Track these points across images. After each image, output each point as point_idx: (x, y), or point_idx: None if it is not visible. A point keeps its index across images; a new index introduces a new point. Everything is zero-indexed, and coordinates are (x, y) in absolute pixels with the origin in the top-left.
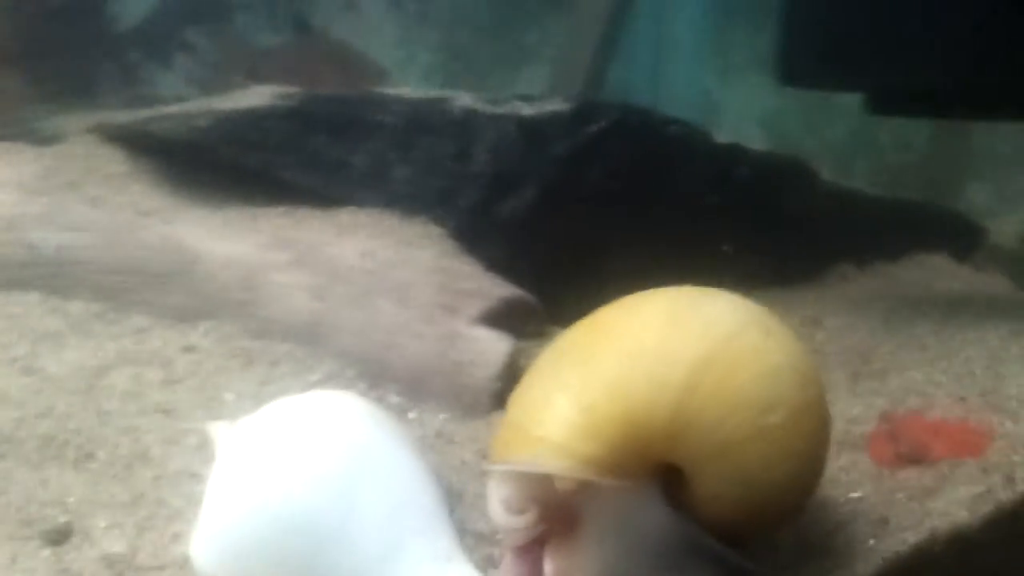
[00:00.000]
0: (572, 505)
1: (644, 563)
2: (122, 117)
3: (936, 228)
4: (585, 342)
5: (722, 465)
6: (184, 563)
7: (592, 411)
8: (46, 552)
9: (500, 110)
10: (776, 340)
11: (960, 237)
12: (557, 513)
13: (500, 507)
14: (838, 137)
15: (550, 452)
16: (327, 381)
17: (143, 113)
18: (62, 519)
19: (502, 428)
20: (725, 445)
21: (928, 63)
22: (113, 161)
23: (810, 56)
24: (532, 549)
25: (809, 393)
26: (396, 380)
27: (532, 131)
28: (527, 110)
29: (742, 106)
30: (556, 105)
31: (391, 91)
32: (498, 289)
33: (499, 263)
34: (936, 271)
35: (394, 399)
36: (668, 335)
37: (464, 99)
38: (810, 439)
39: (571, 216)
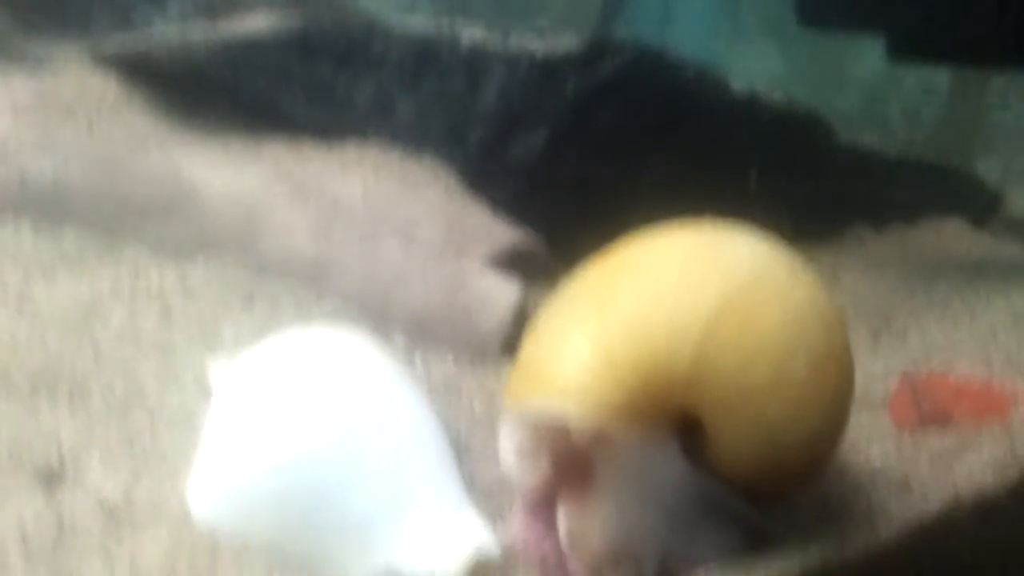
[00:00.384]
0: (587, 455)
1: (660, 519)
2: (116, 43)
3: (953, 192)
4: (603, 280)
5: (743, 415)
6: (181, 507)
7: (610, 354)
8: (38, 493)
9: (511, 46)
10: (801, 283)
11: (976, 202)
12: (571, 463)
13: (513, 456)
14: (848, 106)
15: (566, 397)
16: (329, 321)
17: (137, 40)
18: (55, 460)
19: (515, 369)
20: (746, 393)
21: (951, 6)
22: (108, 88)
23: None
24: (544, 501)
25: (834, 341)
26: (401, 322)
27: (544, 69)
28: (539, 47)
29: (750, 70)
30: (569, 42)
31: (397, 22)
32: (506, 232)
33: (506, 205)
34: (954, 235)
35: (399, 341)
36: (689, 275)
37: (473, 33)
38: (834, 390)
39: (582, 159)
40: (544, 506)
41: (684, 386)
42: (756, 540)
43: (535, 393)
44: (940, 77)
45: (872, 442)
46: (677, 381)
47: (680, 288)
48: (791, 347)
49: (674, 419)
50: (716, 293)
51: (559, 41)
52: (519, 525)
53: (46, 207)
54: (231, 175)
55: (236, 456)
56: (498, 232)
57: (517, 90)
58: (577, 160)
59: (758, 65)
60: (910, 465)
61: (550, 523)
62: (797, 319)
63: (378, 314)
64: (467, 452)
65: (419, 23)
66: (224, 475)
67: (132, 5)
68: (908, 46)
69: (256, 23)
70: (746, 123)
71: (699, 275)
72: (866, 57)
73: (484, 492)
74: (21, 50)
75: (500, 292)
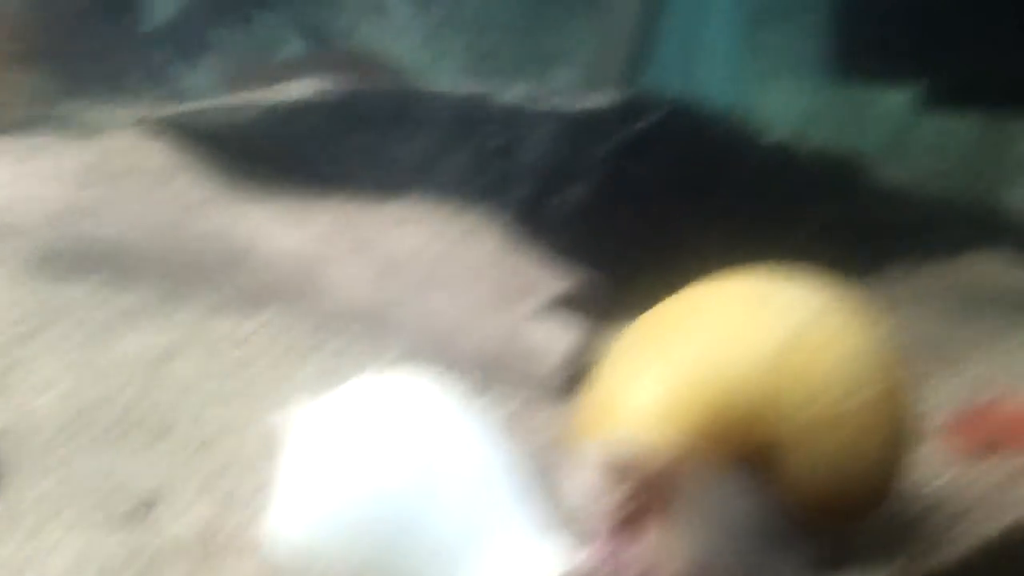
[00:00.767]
0: (662, 484)
1: (732, 546)
2: (164, 110)
3: (989, 225)
4: (670, 321)
5: (806, 448)
6: (263, 543)
7: (680, 390)
8: (122, 530)
9: (547, 104)
10: (860, 322)
11: (1013, 234)
12: (648, 492)
13: (586, 490)
14: (874, 142)
15: (640, 431)
16: (393, 368)
17: (186, 106)
18: (139, 499)
19: (586, 408)
20: (811, 427)
21: (989, 52)
22: (159, 154)
23: (865, 50)
24: (618, 533)
25: (891, 376)
26: (460, 370)
27: (583, 124)
28: (578, 102)
29: (777, 110)
30: (606, 97)
31: (432, 88)
32: (558, 279)
33: (552, 256)
34: (994, 268)
35: (462, 387)
36: (753, 318)
37: (507, 94)
38: (893, 423)
39: (622, 211)
40: (625, 531)
41: (750, 421)
42: (822, 568)
43: (608, 428)
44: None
45: (932, 470)
46: (743, 416)
47: (746, 330)
48: (851, 383)
49: (741, 451)
50: (779, 335)
51: (597, 96)
52: (600, 549)
53: (106, 270)
54: (288, 233)
55: (316, 491)
56: (551, 279)
57: (557, 145)
58: (618, 211)
59: (785, 104)
60: (970, 491)
61: (624, 555)
62: (856, 357)
63: (437, 362)
64: (538, 484)
65: (453, 88)
66: (305, 509)
67: (165, 64)
68: (946, 94)
69: (302, 88)
70: (780, 171)
71: (763, 318)
72: (889, 93)
73: (559, 520)
74: (66, 114)
75: (557, 337)
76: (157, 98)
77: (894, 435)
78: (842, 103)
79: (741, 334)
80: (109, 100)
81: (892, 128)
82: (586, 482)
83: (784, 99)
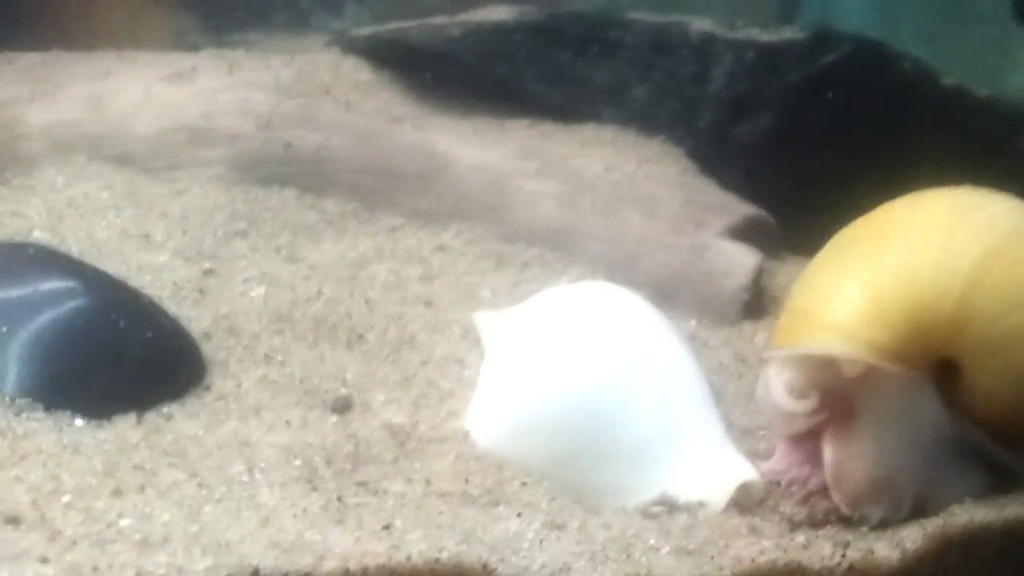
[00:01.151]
0: (851, 394)
1: (918, 457)
2: (361, 31)
3: None
4: (870, 234)
5: (1001, 360)
6: (464, 436)
7: (880, 298)
8: (333, 418)
9: (737, 35)
10: None
11: None
12: (836, 401)
13: (783, 391)
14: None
15: (838, 337)
16: (580, 282)
17: (387, 26)
18: (343, 391)
19: (784, 315)
20: (1006, 339)
21: None
22: (360, 70)
23: None
24: (807, 437)
25: None
26: (644, 287)
27: (769, 57)
28: (764, 36)
29: (966, 58)
30: (792, 33)
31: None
32: (741, 206)
33: (733, 185)
34: None
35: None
36: (954, 228)
37: (701, 23)
38: None
39: (804, 144)
40: (807, 442)
41: (947, 329)
42: (1007, 481)
43: (806, 334)
44: None
45: None
46: (940, 325)
47: (946, 239)
48: None
49: (935, 363)
50: (980, 244)
51: (783, 31)
52: (782, 459)
53: (308, 176)
54: (480, 150)
55: (517, 386)
56: (734, 205)
57: (743, 77)
58: (799, 145)
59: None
60: None
61: (812, 457)
62: None
63: (623, 278)
64: (721, 397)
65: (648, 15)
66: (505, 404)
67: (310, 10)
68: None
69: (500, 12)
70: (956, 114)
71: (963, 228)
72: None
73: (740, 432)
74: (251, 40)
75: (740, 259)
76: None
77: None
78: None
79: (941, 245)
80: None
81: None
82: (776, 389)
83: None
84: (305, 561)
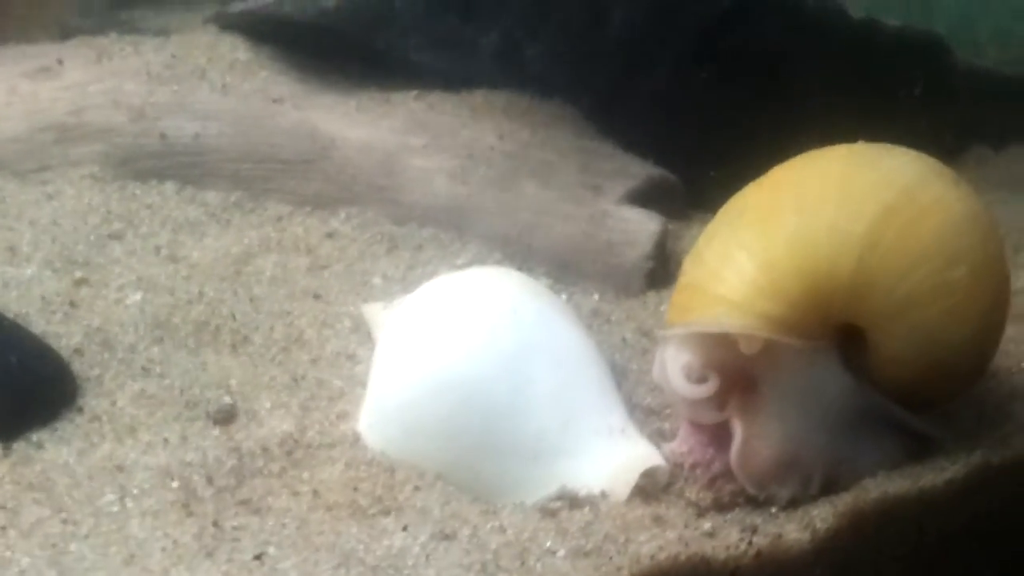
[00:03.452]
0: (752, 370)
1: (826, 431)
2: (235, 8)
3: None
4: (761, 199)
5: (904, 323)
6: (354, 439)
7: (773, 267)
8: (215, 431)
9: None
10: (959, 192)
11: None
12: (737, 378)
13: (681, 377)
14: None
15: (732, 311)
16: (474, 264)
17: (260, 4)
18: (226, 400)
19: (677, 292)
20: (908, 301)
21: None
22: (237, 49)
23: None
24: (708, 418)
25: (991, 248)
26: (544, 262)
27: (664, 4)
28: None
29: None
30: None
31: None
32: (641, 168)
33: (636, 145)
34: None
35: (543, 281)
36: (848, 187)
37: None
38: (993, 296)
39: (708, 93)
40: (709, 422)
41: (846, 295)
42: (921, 448)
43: (700, 309)
44: None
45: (1022, 350)
46: (839, 290)
47: (840, 199)
48: (952, 254)
49: (836, 330)
50: (876, 202)
51: None
52: (685, 440)
53: (187, 168)
54: (366, 127)
55: (407, 387)
56: (634, 168)
57: (639, 25)
58: (704, 94)
59: None
60: None
61: (716, 439)
62: (956, 226)
63: (521, 254)
64: (624, 377)
65: None
66: (396, 406)
67: None
68: None
69: None
70: (865, 48)
71: (858, 186)
72: None
73: (645, 413)
74: (126, 20)
75: (641, 226)
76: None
77: (993, 308)
78: None
79: (835, 203)
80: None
81: (956, 12)
82: (674, 375)
83: None
84: None
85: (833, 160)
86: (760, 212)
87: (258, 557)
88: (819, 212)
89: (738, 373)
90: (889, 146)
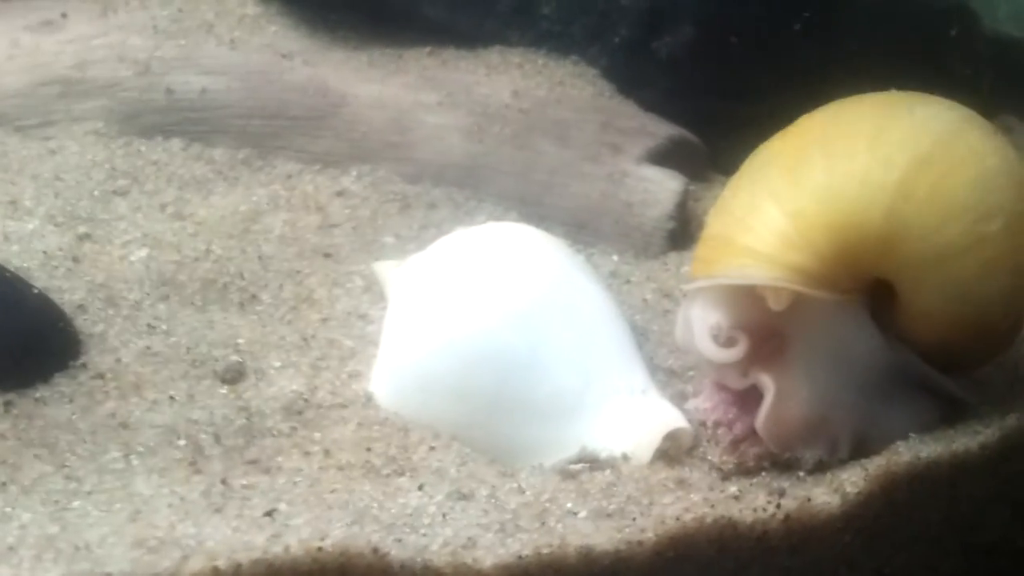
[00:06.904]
0: (780, 327)
1: (855, 391)
2: None
3: None
4: (790, 148)
5: (936, 277)
6: (367, 399)
7: (802, 218)
8: (223, 390)
9: None
10: (994, 144)
11: None
12: (764, 335)
13: (708, 339)
14: None
15: (760, 263)
16: (489, 222)
17: None
18: (234, 359)
19: (700, 244)
20: (940, 254)
21: None
22: (245, 3)
23: None
24: (734, 377)
25: None
26: (561, 222)
27: None
28: None
29: None
30: None
31: None
32: (662, 127)
33: (654, 105)
34: None
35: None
36: (879, 136)
37: None
38: None
39: (728, 54)
40: (736, 387)
41: (877, 248)
42: (953, 410)
43: (726, 261)
44: None
45: None
46: (869, 242)
47: (871, 149)
48: (986, 206)
49: (866, 285)
50: (909, 152)
51: None
52: (709, 399)
53: (194, 124)
54: (378, 83)
55: (421, 345)
56: (654, 127)
57: None
58: (724, 56)
59: None
60: None
61: (740, 399)
62: (991, 178)
63: (538, 214)
64: (645, 338)
65: None
66: (410, 365)
67: None
68: None
69: None
70: (891, 14)
71: (891, 136)
72: None
73: (666, 374)
74: None
75: (662, 185)
76: None
77: None
78: None
79: (866, 155)
80: None
81: None
82: (702, 338)
83: None
84: (165, 564)
85: (863, 108)
86: (788, 161)
87: (268, 514)
88: (850, 161)
89: (767, 331)
90: (923, 95)
